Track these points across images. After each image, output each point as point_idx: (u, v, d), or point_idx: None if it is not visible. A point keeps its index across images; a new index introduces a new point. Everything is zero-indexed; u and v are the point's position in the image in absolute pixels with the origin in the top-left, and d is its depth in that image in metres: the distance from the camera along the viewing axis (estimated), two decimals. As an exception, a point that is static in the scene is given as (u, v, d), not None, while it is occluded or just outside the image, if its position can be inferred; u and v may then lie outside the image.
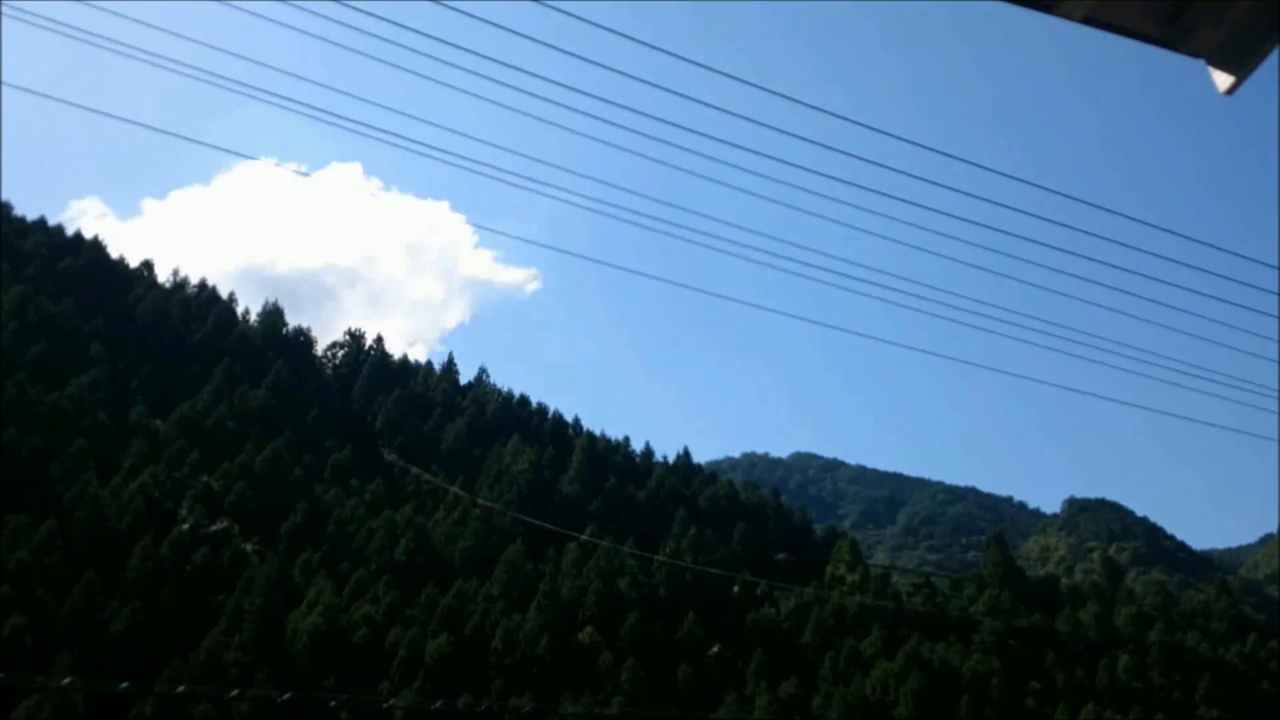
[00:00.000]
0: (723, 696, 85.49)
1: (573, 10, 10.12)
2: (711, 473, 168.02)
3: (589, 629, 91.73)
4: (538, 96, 13.00)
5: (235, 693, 49.09)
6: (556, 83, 12.34)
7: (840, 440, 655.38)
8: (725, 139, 13.30)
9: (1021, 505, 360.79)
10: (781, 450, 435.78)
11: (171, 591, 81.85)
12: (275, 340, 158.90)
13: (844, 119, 11.57)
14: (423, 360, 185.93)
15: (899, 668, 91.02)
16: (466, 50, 12.09)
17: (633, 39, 10.84)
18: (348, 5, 11.14)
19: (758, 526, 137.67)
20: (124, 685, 53.53)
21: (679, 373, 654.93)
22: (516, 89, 12.54)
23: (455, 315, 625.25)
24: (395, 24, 11.61)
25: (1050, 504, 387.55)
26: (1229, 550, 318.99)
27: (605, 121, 13.06)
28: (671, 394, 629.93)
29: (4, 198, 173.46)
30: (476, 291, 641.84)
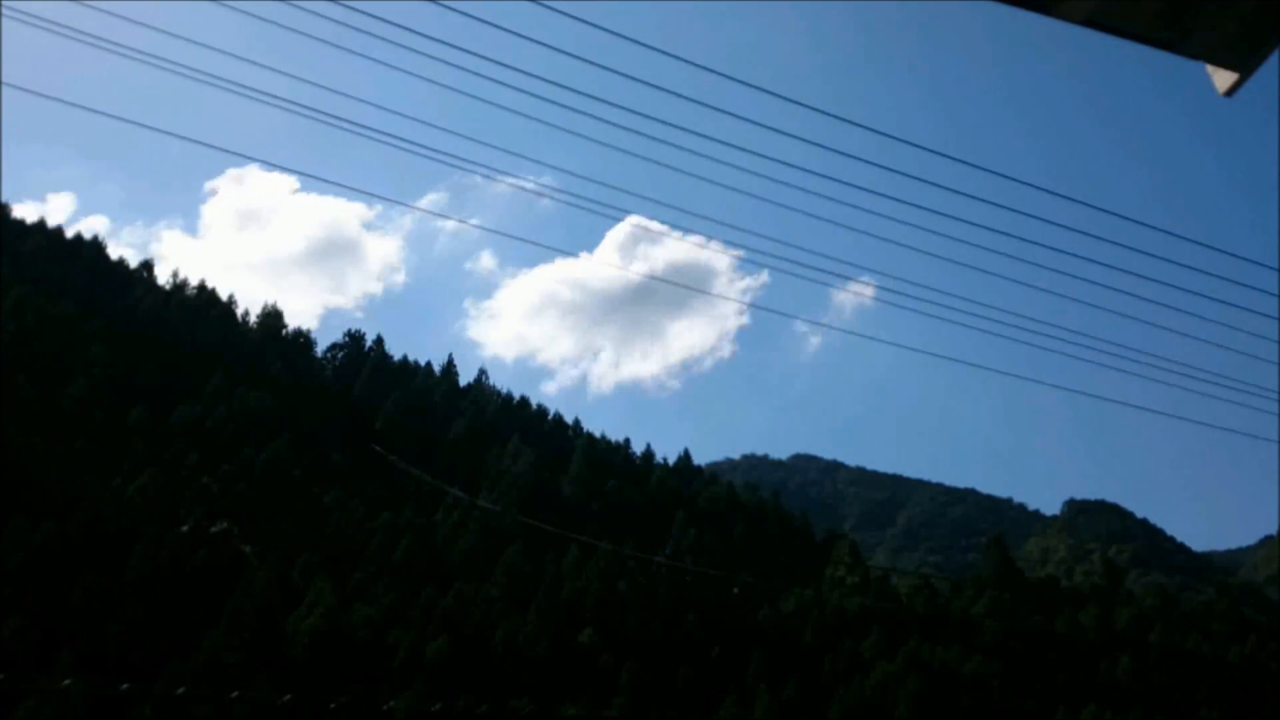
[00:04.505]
0: (723, 697, 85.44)
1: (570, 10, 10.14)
2: (711, 475, 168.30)
3: (589, 630, 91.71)
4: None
5: (235, 694, 49.08)
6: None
7: (840, 442, 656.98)
8: (715, 136, 13.33)
9: (1021, 507, 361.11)
10: (781, 452, 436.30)
11: (171, 592, 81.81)
12: (275, 341, 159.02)
13: (835, 117, 11.60)
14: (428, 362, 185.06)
15: (899, 669, 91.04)
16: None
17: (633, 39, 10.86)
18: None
19: (758, 528, 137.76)
20: (124, 686, 53.52)
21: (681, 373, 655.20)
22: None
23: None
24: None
25: (1050, 505, 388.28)
26: (1229, 552, 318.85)
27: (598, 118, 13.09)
28: (673, 395, 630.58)
29: (4, 199, 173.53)
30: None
